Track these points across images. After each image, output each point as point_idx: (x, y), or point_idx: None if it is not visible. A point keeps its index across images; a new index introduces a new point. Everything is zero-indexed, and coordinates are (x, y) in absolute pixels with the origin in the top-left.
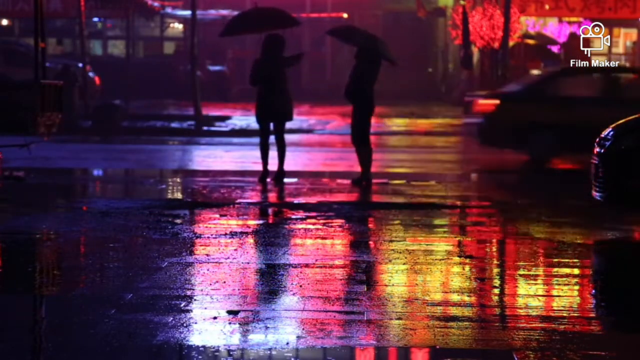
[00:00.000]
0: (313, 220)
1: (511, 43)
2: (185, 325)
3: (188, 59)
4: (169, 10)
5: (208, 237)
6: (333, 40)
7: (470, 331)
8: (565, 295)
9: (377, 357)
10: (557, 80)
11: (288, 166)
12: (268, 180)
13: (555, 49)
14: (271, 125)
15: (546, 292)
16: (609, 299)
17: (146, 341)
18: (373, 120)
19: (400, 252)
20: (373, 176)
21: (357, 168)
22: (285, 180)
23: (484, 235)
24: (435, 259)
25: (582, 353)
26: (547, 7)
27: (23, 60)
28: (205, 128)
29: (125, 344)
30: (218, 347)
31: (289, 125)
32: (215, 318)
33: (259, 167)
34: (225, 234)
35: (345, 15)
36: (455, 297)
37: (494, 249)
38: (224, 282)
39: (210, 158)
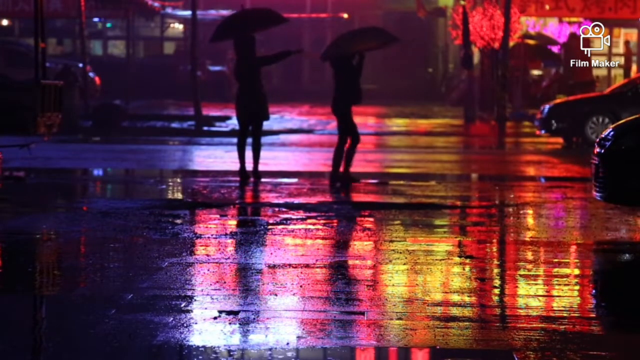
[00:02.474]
0: (313, 220)
1: (511, 43)
2: (185, 325)
3: (188, 59)
4: (169, 10)
5: (208, 237)
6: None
7: (471, 331)
8: (566, 296)
9: (378, 357)
10: None
11: (289, 166)
12: (251, 180)
13: (555, 49)
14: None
15: (546, 292)
16: (609, 299)
17: (146, 341)
18: (373, 120)
19: (400, 252)
20: (371, 176)
21: (357, 168)
22: (285, 180)
23: (484, 235)
24: (436, 259)
25: (583, 353)
26: (547, 7)
27: (23, 60)
28: (205, 128)
29: (125, 344)
30: (218, 347)
31: (289, 125)
32: (215, 318)
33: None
34: (226, 234)
35: (345, 16)
36: (455, 297)
37: (494, 249)
38: (224, 282)
39: (211, 158)
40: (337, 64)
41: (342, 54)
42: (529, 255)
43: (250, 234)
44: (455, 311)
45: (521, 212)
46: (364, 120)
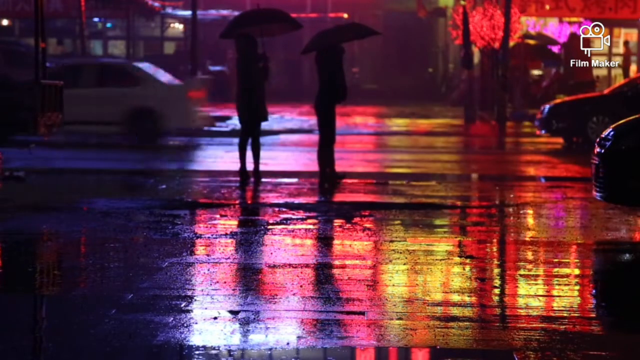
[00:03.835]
0: (313, 220)
1: (512, 43)
2: (185, 325)
3: (188, 59)
4: (169, 10)
5: (208, 237)
6: None
7: (471, 331)
8: (566, 296)
9: (378, 357)
10: None
11: (290, 166)
12: (251, 180)
13: (555, 49)
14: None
15: (546, 292)
16: (609, 299)
17: (146, 341)
18: (373, 120)
19: (400, 252)
20: (371, 176)
21: (357, 168)
22: (285, 180)
23: (484, 235)
24: (436, 259)
25: (583, 353)
26: (547, 7)
27: (23, 60)
28: (205, 128)
29: (125, 344)
30: (218, 347)
31: (290, 125)
32: (215, 318)
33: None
34: (226, 234)
35: (345, 16)
36: (455, 297)
37: (494, 249)
38: (224, 282)
39: (211, 158)
40: (322, 59)
41: (325, 46)
42: (529, 255)
43: (250, 234)
44: (455, 311)
45: (521, 212)
46: (364, 120)
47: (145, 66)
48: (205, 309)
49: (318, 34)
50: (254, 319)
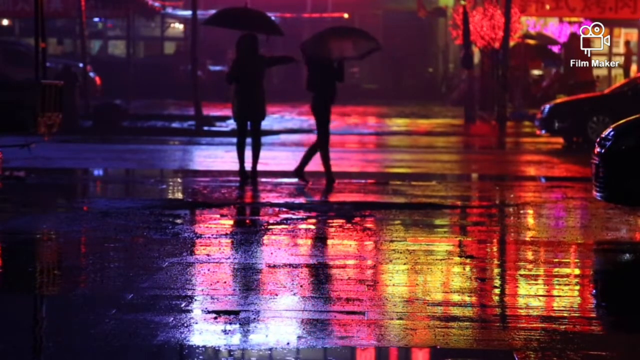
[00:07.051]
0: (313, 220)
1: (512, 43)
2: (185, 325)
3: (188, 59)
4: (169, 10)
5: (208, 237)
6: None
7: (471, 331)
8: (566, 295)
9: (378, 357)
10: None
11: (289, 166)
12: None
13: (555, 49)
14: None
15: (547, 292)
16: (609, 299)
17: (147, 341)
18: (373, 120)
19: (400, 252)
20: (371, 176)
21: (357, 168)
22: (285, 180)
23: (484, 235)
24: (436, 259)
25: (583, 353)
26: (547, 7)
27: (23, 60)
28: (205, 128)
29: (125, 344)
30: (219, 347)
31: (290, 125)
32: (215, 318)
33: (259, 168)
34: (226, 234)
35: (345, 15)
36: (455, 297)
37: (495, 249)
38: (224, 282)
39: (211, 158)
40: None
41: (322, 57)
42: (529, 255)
43: (250, 234)
44: (455, 311)
45: (521, 212)
46: (364, 120)
47: None
48: (206, 309)
49: (325, 38)
50: (254, 319)
